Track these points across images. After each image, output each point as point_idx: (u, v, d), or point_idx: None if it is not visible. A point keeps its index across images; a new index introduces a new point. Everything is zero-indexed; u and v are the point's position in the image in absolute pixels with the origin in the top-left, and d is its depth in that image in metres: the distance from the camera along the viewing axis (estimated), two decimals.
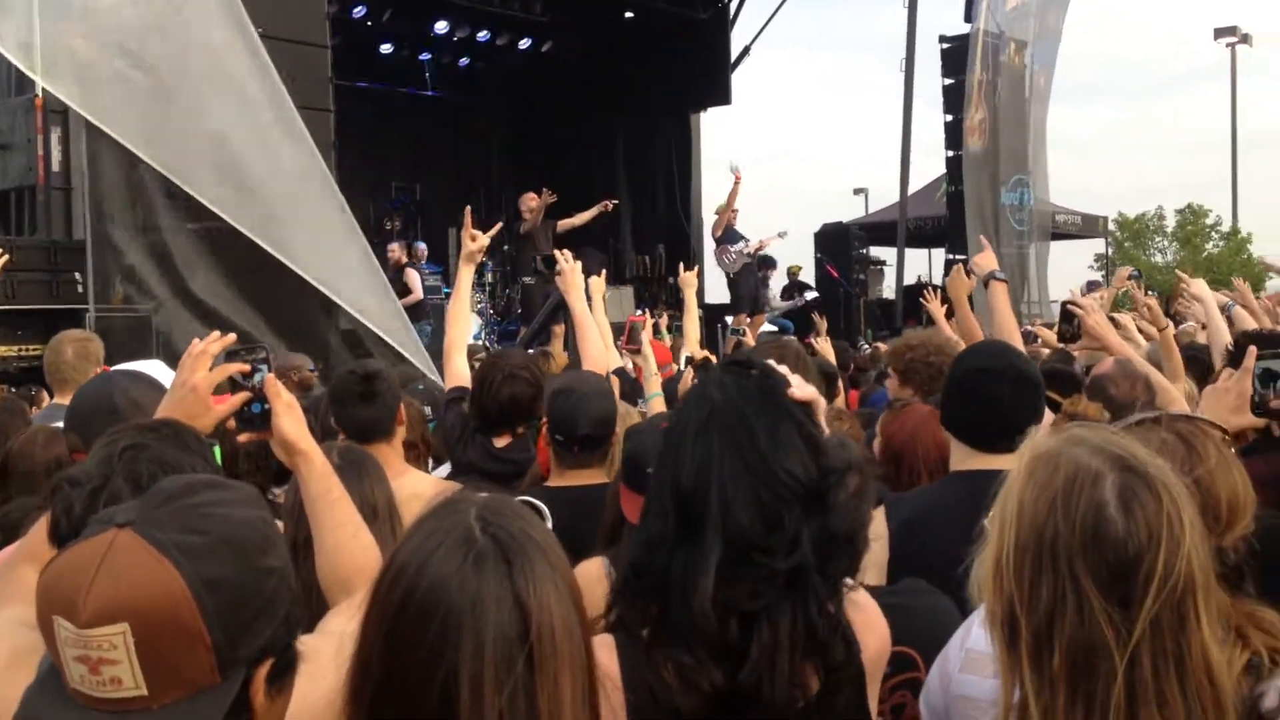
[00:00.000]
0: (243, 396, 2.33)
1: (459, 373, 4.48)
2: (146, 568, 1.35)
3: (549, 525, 2.50)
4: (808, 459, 1.71)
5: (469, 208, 5.34)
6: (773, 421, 1.72)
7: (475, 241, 4.77)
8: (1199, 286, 5.68)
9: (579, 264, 4.98)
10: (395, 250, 14.09)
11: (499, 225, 6.08)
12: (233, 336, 2.47)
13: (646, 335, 5.25)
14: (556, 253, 5.11)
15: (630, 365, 5.47)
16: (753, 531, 1.66)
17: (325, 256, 9.32)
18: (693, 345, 6.10)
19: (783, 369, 1.83)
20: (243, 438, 2.38)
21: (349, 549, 2.23)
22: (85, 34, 8.53)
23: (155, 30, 8.65)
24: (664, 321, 8.59)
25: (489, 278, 15.33)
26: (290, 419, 2.26)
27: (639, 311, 10.81)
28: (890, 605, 2.00)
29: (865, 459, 2.36)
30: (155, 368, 2.85)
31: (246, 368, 2.34)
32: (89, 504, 1.92)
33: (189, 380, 2.39)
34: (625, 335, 5.53)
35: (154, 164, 8.67)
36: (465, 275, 4.80)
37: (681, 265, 7.12)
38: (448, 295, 13.14)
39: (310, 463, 2.26)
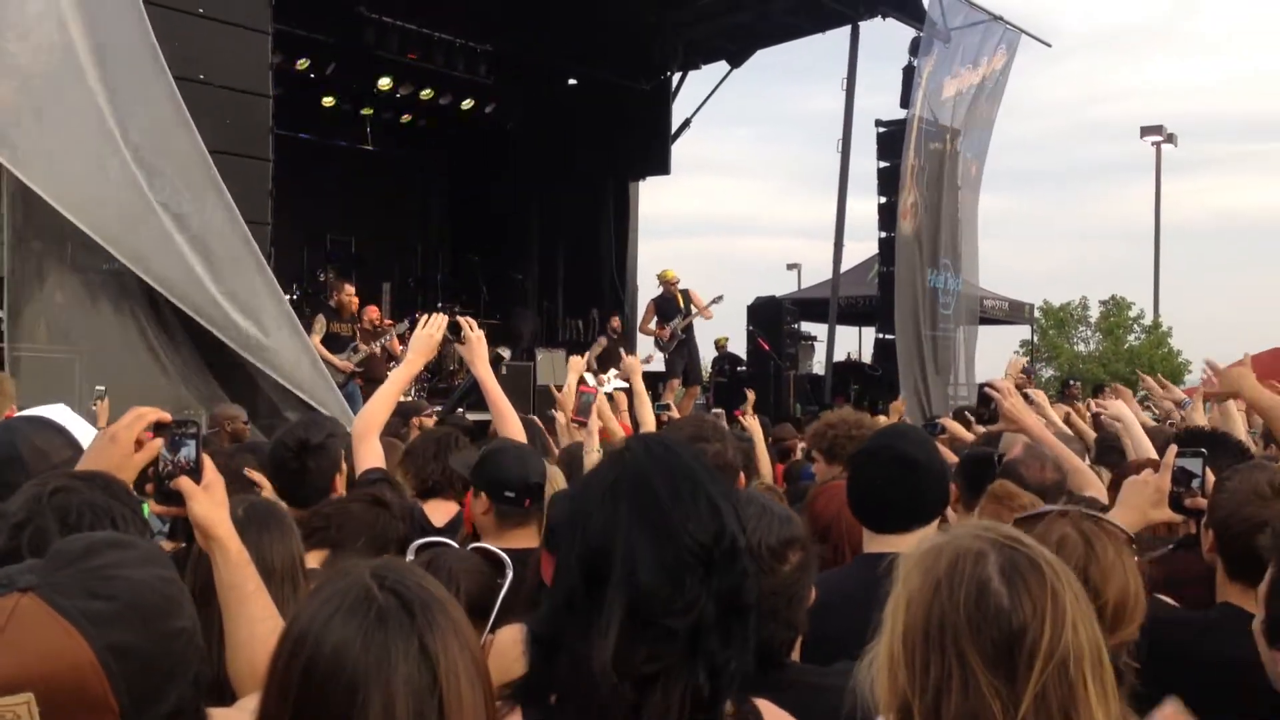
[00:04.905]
0: (159, 444, 2.25)
1: (375, 453, 4.07)
2: (52, 636, 1.32)
3: (509, 577, 2.45)
4: (710, 522, 1.70)
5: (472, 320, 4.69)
6: (676, 484, 1.72)
7: (475, 333, 4.51)
8: (1118, 408, 5.69)
9: (482, 332, 4.61)
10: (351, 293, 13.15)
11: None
12: (168, 415, 2.36)
13: (594, 411, 5.07)
14: (460, 319, 4.64)
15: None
16: (655, 592, 1.65)
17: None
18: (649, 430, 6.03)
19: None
20: (157, 510, 2.27)
21: (269, 645, 2.13)
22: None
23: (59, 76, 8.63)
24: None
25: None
26: (205, 502, 2.16)
27: (591, 383, 10.69)
28: (828, 687, 1.96)
29: (808, 536, 2.34)
30: (59, 412, 2.73)
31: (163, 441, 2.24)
32: (12, 538, 1.86)
33: (111, 430, 2.31)
34: (574, 408, 5.36)
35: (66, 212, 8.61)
36: (417, 368, 4.50)
37: (623, 350, 7.11)
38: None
39: (224, 550, 2.16)
